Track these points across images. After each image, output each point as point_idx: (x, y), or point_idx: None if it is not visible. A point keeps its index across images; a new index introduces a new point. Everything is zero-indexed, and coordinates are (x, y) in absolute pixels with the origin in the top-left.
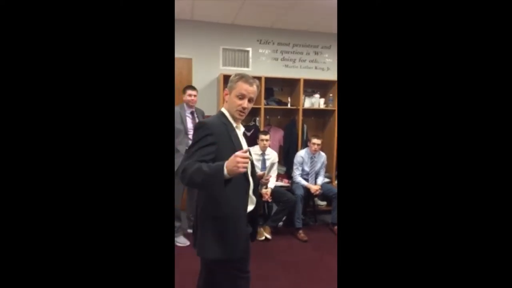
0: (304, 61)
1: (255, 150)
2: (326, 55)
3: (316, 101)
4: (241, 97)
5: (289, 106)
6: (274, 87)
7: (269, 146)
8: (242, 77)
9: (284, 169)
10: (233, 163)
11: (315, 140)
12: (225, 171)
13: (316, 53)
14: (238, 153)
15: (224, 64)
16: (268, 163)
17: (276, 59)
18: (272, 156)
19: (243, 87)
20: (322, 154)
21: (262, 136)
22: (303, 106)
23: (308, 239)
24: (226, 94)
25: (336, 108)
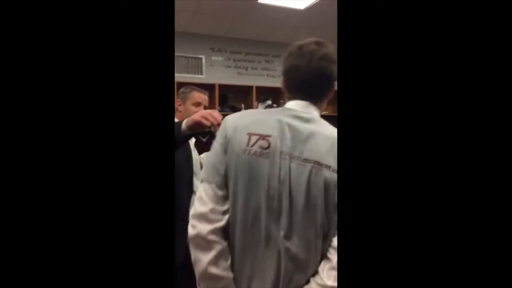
0: (256, 68)
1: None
2: (277, 64)
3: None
4: (197, 104)
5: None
6: (228, 93)
7: None
8: (194, 88)
9: None
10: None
11: None
12: (183, 125)
13: (267, 61)
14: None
15: (178, 71)
16: None
17: (229, 66)
18: None
19: (198, 95)
20: None
21: None
22: None
23: None
24: (180, 105)
25: None
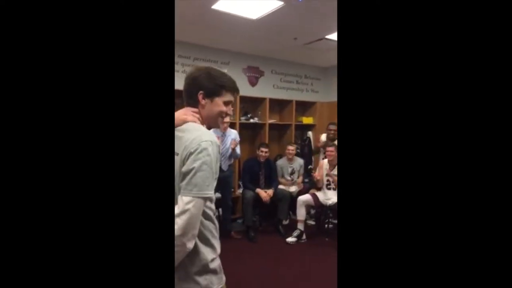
0: None
1: None
2: (225, 70)
3: None
4: None
5: None
6: (176, 99)
7: None
8: None
9: None
10: (178, 115)
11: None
12: None
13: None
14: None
15: None
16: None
17: (177, 71)
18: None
19: None
20: (232, 130)
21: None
22: None
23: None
24: None
25: (237, 120)
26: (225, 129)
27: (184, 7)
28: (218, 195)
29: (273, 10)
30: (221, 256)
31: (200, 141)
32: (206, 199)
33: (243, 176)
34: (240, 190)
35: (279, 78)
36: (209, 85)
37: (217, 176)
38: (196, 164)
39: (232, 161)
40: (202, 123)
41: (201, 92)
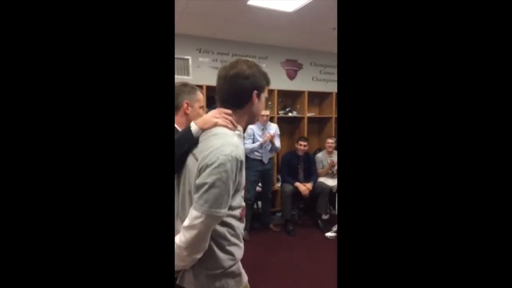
0: None
1: None
2: (264, 65)
3: None
4: (202, 107)
5: None
6: (215, 95)
7: None
8: (197, 87)
9: None
10: (209, 117)
11: (263, 112)
12: (193, 128)
13: None
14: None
15: None
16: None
17: (216, 68)
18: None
19: (201, 96)
20: (272, 124)
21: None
22: None
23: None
24: (187, 107)
25: (275, 115)
26: (265, 122)
27: (220, 5)
28: (259, 188)
29: (309, 1)
30: (259, 247)
31: (219, 154)
32: (216, 218)
33: (282, 170)
34: (279, 184)
35: (319, 70)
36: (261, 81)
37: (241, 184)
38: (210, 180)
39: (273, 154)
40: (235, 127)
41: (255, 91)
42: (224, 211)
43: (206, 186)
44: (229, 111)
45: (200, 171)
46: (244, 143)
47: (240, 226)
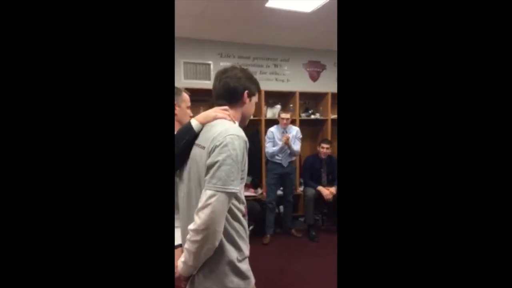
0: (265, 73)
1: None
2: (286, 68)
3: (277, 112)
4: (189, 107)
5: (252, 117)
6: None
7: None
8: (182, 89)
9: (250, 178)
10: (208, 112)
11: (283, 115)
12: (194, 123)
13: (275, 65)
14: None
15: (186, 77)
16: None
17: None
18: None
19: (187, 97)
20: (294, 127)
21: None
22: (265, 116)
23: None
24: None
25: (297, 117)
26: (285, 125)
27: (238, 9)
28: (280, 192)
29: (327, 1)
30: (280, 252)
31: (226, 134)
32: (230, 194)
33: (304, 173)
34: (302, 188)
35: None
36: (251, 85)
37: (244, 172)
38: (220, 158)
39: (294, 158)
40: (233, 120)
41: (246, 91)
42: (236, 188)
43: (218, 164)
44: (225, 107)
45: (210, 154)
46: (265, 146)
47: (245, 223)
